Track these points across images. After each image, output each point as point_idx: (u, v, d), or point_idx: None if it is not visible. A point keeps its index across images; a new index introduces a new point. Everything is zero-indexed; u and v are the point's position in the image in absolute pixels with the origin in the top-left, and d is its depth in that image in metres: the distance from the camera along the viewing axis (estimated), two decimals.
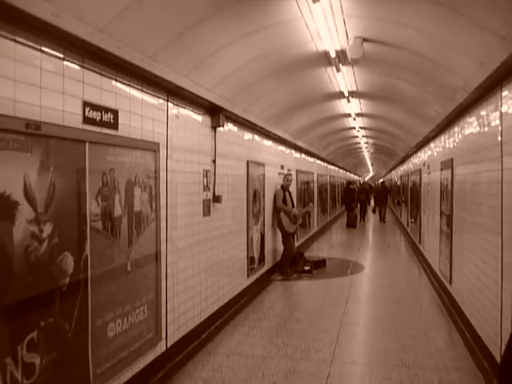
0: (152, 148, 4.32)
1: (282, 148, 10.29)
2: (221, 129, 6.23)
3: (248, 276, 7.61)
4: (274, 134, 8.86)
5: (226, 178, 6.57)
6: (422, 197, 11.36)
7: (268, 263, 9.04)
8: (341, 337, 5.63)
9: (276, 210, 9.39)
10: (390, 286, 8.38)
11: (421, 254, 11.08)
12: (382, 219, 22.27)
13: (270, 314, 6.66)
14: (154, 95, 4.41)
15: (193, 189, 5.37)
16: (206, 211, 5.79)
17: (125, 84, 3.92)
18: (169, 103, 4.73)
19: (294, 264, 9.98)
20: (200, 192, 5.61)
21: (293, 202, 9.70)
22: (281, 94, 7.01)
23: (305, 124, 10.17)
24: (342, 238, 16.98)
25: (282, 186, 9.52)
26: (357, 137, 15.23)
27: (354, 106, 9.28)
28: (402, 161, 17.94)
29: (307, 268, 9.76)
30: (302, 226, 12.75)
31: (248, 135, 7.63)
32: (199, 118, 5.60)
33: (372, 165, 35.59)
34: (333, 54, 5.42)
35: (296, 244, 11.87)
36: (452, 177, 6.86)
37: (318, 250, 12.88)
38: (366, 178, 52.77)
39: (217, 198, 6.01)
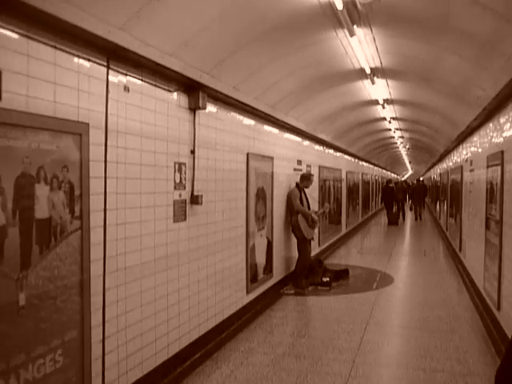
0: (73, 130, 3.08)
1: (297, 140, 8.93)
2: (204, 111, 4.96)
3: (248, 292, 6.32)
4: (286, 123, 7.53)
5: (214, 173, 5.30)
6: (463, 198, 9.78)
7: (278, 274, 7.72)
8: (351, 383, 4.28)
9: (291, 213, 8.06)
10: (423, 305, 6.92)
11: (461, 264, 9.52)
12: (418, 217, 21.84)
13: (266, 344, 5.35)
14: (79, 56, 3.17)
15: (155, 187, 4.12)
16: (180, 216, 4.53)
17: (17, 33, 2.69)
18: (110, 70, 3.49)
19: (311, 274, 8.62)
20: (169, 191, 4.35)
21: (308, 204, 8.35)
22: (289, 68, 5.68)
23: (325, 112, 8.78)
24: (372, 242, 15.46)
25: (298, 185, 8.18)
26: (389, 129, 13.66)
27: (380, 90, 7.83)
28: (442, 157, 16.24)
29: (326, 280, 8.39)
30: (330, 223, 11.36)
31: (248, 122, 6.33)
32: (169, 95, 4.34)
33: (410, 162, 33.64)
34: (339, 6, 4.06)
35: (318, 249, 10.52)
36: (502, 174, 5.38)
37: (343, 257, 11.46)
38: (405, 177, 50.59)
39: (195, 199, 4.74)
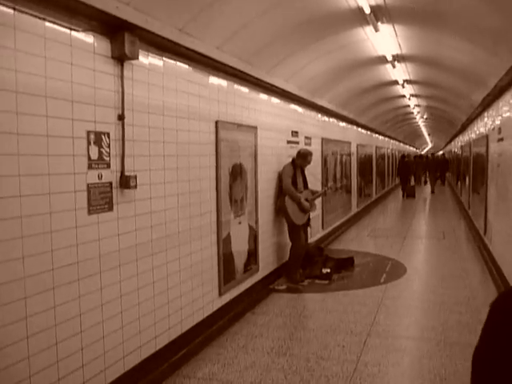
0: None
1: (291, 107, 7.58)
2: (141, 64, 3.68)
3: (221, 293, 5.11)
4: (270, 84, 6.19)
5: (163, 147, 4.05)
6: (489, 173, 8.37)
7: (266, 267, 6.49)
8: None
9: (281, 193, 6.79)
10: (439, 307, 5.63)
11: (486, 250, 8.17)
12: (432, 190, 22.06)
13: (233, 367, 4.14)
14: None
15: (50, 166, 2.88)
16: (100, 205, 3.30)
17: None
18: None
19: (309, 265, 7.39)
20: (78, 172, 3.11)
21: (306, 183, 7.04)
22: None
23: (324, 72, 7.39)
24: (386, 222, 14.10)
25: (294, 161, 6.87)
26: (403, 96, 12.14)
27: (387, 41, 6.41)
28: (464, 127, 14.67)
29: (326, 271, 7.13)
30: (337, 203, 10.04)
31: (217, 81, 5.02)
32: (74, 36, 3.07)
33: (429, 135, 31.84)
34: None
35: (322, 233, 9.25)
36: None
37: (351, 241, 10.16)
38: (425, 151, 48.69)
39: (126, 181, 3.50)
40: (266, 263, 6.50)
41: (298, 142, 7.84)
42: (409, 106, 14.27)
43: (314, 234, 8.88)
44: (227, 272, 5.24)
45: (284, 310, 5.66)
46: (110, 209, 3.41)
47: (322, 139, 9.50)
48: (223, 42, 4.46)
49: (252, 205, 5.95)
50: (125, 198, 3.55)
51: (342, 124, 11.55)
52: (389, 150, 22.38)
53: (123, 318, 3.55)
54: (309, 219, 7.15)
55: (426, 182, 24.23)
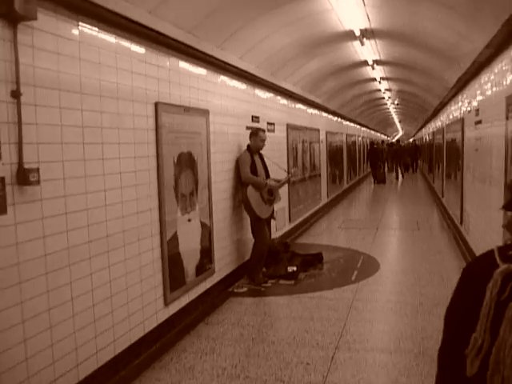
0: None
1: (250, 89, 6.85)
2: (37, 25, 2.91)
3: (168, 303, 4.41)
4: (221, 61, 5.44)
5: (81, 132, 3.29)
6: (464, 159, 7.83)
7: (224, 268, 5.80)
8: None
9: (241, 184, 6.10)
10: (417, 309, 5.04)
11: (463, 241, 7.65)
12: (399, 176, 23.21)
13: None
14: None
15: None
16: None
17: None
18: None
19: (273, 263, 6.73)
20: None
21: (267, 171, 6.36)
22: None
23: (284, 50, 6.69)
24: (357, 212, 13.56)
25: (249, 148, 6.18)
26: (374, 80, 11.54)
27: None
28: (436, 112, 14.20)
29: (292, 269, 6.48)
30: (305, 194, 9.39)
31: (155, 56, 4.26)
32: None
33: (400, 122, 31.54)
34: None
35: (289, 226, 8.61)
36: None
37: (320, 234, 9.55)
38: (395, 138, 48.63)
39: (24, 176, 2.74)
40: (224, 264, 5.81)
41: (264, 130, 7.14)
42: (379, 90, 13.70)
43: (280, 227, 8.22)
44: (175, 277, 4.53)
45: (242, 317, 4.98)
46: (3, 211, 2.65)
47: (288, 125, 8.82)
48: (157, 6, 3.70)
49: (205, 199, 5.24)
50: (24, 196, 2.79)
51: (310, 110, 10.88)
52: (360, 138, 21.90)
53: (29, 345, 2.81)
54: (273, 211, 6.47)
55: (390, 170, 25.06)
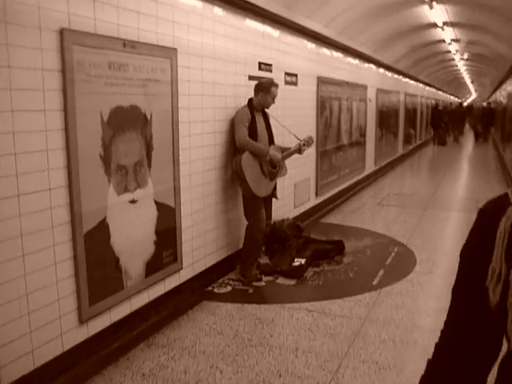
0: None
1: (259, 27, 5.25)
2: None
3: (84, 319, 3.12)
4: None
5: None
6: None
7: (199, 262, 4.45)
8: None
9: (235, 150, 4.65)
10: None
11: None
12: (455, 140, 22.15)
13: None
14: None
15: None
16: None
17: None
18: None
19: (279, 251, 5.34)
20: None
21: (270, 135, 4.86)
22: None
23: None
24: (407, 184, 11.71)
25: (251, 103, 4.68)
26: (436, 26, 9.47)
27: None
28: None
29: (298, 263, 5.05)
30: (342, 162, 7.77)
31: None
32: None
33: (472, 82, 28.38)
34: None
35: (314, 202, 7.13)
36: None
37: (354, 212, 7.95)
38: (468, 101, 44.81)
39: None
40: (201, 255, 4.45)
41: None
42: (444, 41, 11.53)
43: (301, 203, 6.76)
44: (100, 283, 3.23)
45: (203, 339, 3.61)
46: None
47: (319, 78, 7.16)
48: None
49: (166, 172, 3.85)
50: None
51: (351, 60, 9.05)
52: (423, 99, 19.57)
53: None
54: (275, 188, 5.00)
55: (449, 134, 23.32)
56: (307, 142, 4.90)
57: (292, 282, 4.75)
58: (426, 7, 6.70)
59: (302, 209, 6.86)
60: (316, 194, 7.40)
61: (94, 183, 3.13)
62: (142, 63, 3.48)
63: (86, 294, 3.11)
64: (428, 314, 4.04)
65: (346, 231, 6.60)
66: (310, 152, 7.01)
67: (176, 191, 3.99)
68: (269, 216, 5.01)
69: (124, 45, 3.29)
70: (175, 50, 3.83)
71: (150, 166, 3.64)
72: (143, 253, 3.66)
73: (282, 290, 4.57)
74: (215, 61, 4.44)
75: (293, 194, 6.53)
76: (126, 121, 3.37)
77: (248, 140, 4.51)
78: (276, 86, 4.72)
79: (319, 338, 3.59)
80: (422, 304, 4.29)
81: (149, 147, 3.62)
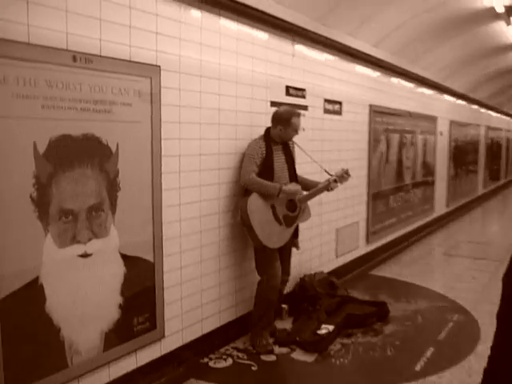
0: None
1: (297, 49, 4.45)
2: None
3: None
4: None
5: None
6: None
7: (190, 328, 3.60)
8: None
9: (246, 192, 3.81)
10: None
11: None
12: None
13: None
14: None
15: None
16: None
17: None
18: None
19: (303, 313, 4.40)
20: None
21: (292, 170, 3.98)
22: None
23: None
24: (484, 231, 10.21)
25: (267, 133, 3.85)
26: None
27: None
28: None
29: (325, 330, 4.06)
30: (405, 203, 6.65)
31: None
32: None
33: None
34: None
35: (365, 249, 6.15)
36: None
37: (414, 263, 6.78)
38: None
39: None
40: (193, 320, 3.60)
41: (305, 108, 4.75)
42: None
43: (348, 251, 5.78)
44: (25, 363, 2.48)
45: None
46: None
47: (371, 107, 6.21)
48: None
49: (141, 217, 3.08)
50: None
51: (418, 88, 7.98)
52: (510, 134, 17.77)
53: None
54: (296, 234, 4.07)
55: None
56: (340, 177, 3.95)
57: (311, 357, 3.77)
58: (502, 24, 5.63)
59: (348, 258, 5.86)
60: (367, 241, 6.36)
61: (21, 234, 2.41)
62: (104, 82, 2.78)
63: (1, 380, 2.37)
64: None
65: (397, 288, 5.51)
66: (360, 192, 6.06)
67: (156, 241, 3.20)
68: (287, 271, 4.09)
69: (74, 58, 2.60)
70: (157, 67, 3.10)
71: (113, 210, 2.89)
72: (101, 320, 2.88)
73: (294, 370, 3.61)
74: (221, 82, 3.67)
75: (334, 240, 5.57)
76: (77, 153, 2.65)
77: (252, 178, 3.66)
78: (298, 115, 3.86)
79: None
80: None
81: (113, 187, 2.88)
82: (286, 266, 4.04)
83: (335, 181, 3.93)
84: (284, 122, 3.82)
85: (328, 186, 3.92)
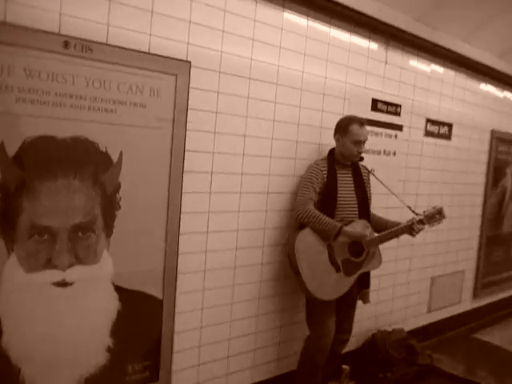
0: None
1: (393, 58, 3.64)
2: None
3: None
4: None
5: None
6: None
7: (211, 383, 2.95)
8: None
9: (300, 223, 3.06)
10: None
11: None
12: None
13: None
14: None
15: None
16: None
17: None
18: None
19: (369, 379, 3.55)
20: None
21: (363, 201, 3.15)
22: None
23: None
24: None
25: (331, 154, 3.11)
26: None
27: None
28: None
29: None
30: None
31: None
32: None
33: None
34: None
35: (470, 305, 5.11)
36: None
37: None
38: None
39: None
40: (215, 374, 2.95)
41: (399, 127, 3.90)
42: None
43: (445, 305, 4.75)
44: None
45: None
46: None
47: (493, 133, 5.09)
48: None
49: (149, 244, 2.52)
50: None
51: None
52: None
53: None
54: (366, 283, 3.23)
55: None
56: (429, 218, 3.03)
57: None
58: None
59: (445, 314, 4.81)
60: (474, 295, 5.21)
61: None
62: (108, 76, 2.27)
63: None
64: None
65: (504, 362, 4.35)
66: (470, 235, 4.98)
67: (167, 274, 2.62)
68: (347, 328, 3.25)
69: (66, 44, 2.13)
70: (187, 63, 2.54)
71: (108, 232, 2.37)
72: (79, 364, 2.36)
73: None
74: (278, 88, 3.01)
75: (428, 291, 4.57)
76: (62, 160, 2.17)
77: (308, 210, 2.90)
78: (360, 123, 3.01)
79: None
80: None
81: (109, 204, 2.36)
82: (345, 323, 3.22)
83: (421, 221, 3.02)
84: (341, 130, 3.03)
85: (410, 228, 3.03)
